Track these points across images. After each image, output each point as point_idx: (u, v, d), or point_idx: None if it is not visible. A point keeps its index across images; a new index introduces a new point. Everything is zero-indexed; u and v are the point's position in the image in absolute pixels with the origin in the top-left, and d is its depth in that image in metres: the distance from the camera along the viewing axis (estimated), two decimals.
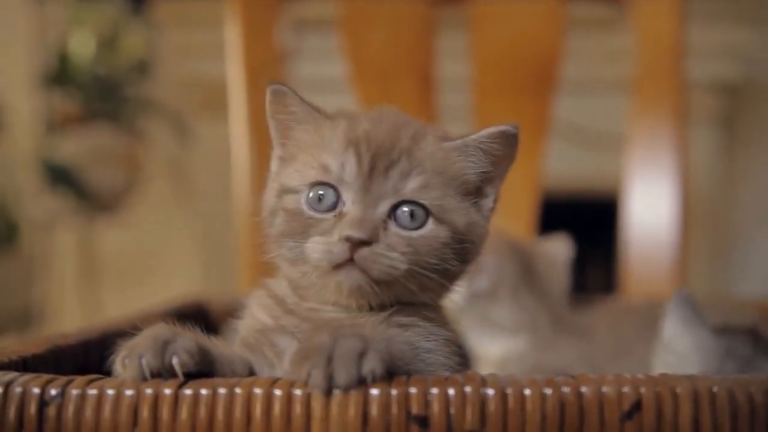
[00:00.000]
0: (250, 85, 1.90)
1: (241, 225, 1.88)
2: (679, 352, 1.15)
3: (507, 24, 1.95)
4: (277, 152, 0.99)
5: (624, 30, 2.01)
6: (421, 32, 1.97)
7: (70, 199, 3.70)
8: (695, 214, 3.58)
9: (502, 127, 0.94)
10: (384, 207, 0.88)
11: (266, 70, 1.91)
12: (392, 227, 0.88)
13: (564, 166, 2.94)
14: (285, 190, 0.93)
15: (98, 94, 3.79)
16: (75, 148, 3.69)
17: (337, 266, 0.86)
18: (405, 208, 0.88)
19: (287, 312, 0.94)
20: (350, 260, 0.86)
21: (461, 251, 0.92)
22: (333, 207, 0.89)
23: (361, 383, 0.74)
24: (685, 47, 1.89)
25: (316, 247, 0.87)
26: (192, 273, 3.92)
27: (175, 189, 3.95)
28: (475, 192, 0.95)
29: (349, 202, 0.88)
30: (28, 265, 3.80)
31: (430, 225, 0.89)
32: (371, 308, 0.90)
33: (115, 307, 2.74)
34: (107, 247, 3.95)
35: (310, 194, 0.90)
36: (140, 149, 3.89)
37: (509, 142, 0.95)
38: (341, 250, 0.86)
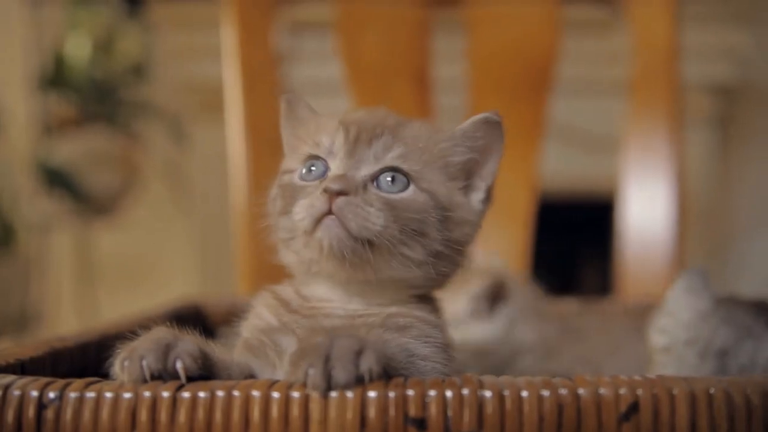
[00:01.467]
0: (246, 88, 1.90)
1: (238, 227, 1.88)
2: (676, 315, 1.16)
3: (502, 26, 1.95)
4: (285, 162, 1.03)
5: (619, 32, 2.02)
6: (417, 34, 1.97)
7: (67, 201, 3.69)
8: (691, 215, 3.58)
9: (485, 115, 0.96)
10: (365, 171, 0.92)
11: (262, 73, 1.91)
12: (372, 189, 0.91)
13: (560, 168, 2.95)
14: (284, 172, 0.98)
15: (94, 97, 3.78)
16: (71, 150, 3.69)
17: (317, 221, 0.89)
18: (387, 176, 0.92)
19: (291, 311, 0.95)
20: (329, 213, 0.89)
21: (445, 224, 0.94)
22: (321, 176, 0.94)
23: (359, 382, 0.74)
24: (680, 49, 1.89)
25: (300, 208, 0.91)
26: (189, 275, 3.93)
27: (172, 191, 3.95)
28: (462, 178, 0.98)
29: (334, 167, 0.93)
30: (25, 268, 3.80)
31: (411, 190, 0.92)
32: (369, 298, 0.94)
33: (112, 310, 2.74)
34: (104, 249, 3.94)
35: (303, 169, 0.95)
36: (137, 152, 3.89)
37: (492, 130, 0.97)
38: (321, 202, 0.89)
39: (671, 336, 1.15)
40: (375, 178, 0.92)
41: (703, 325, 1.13)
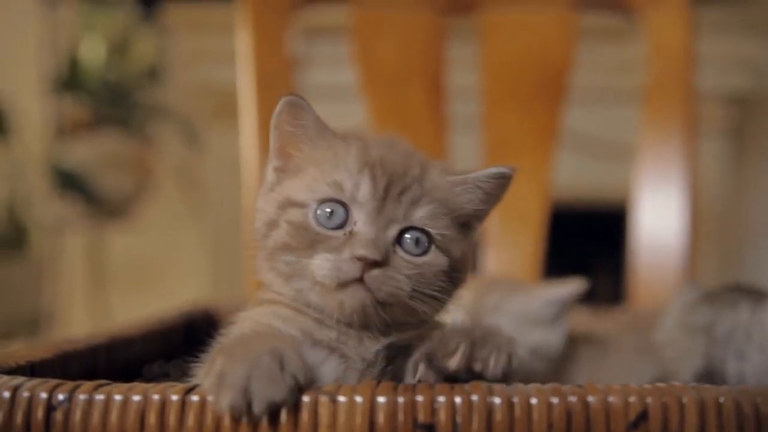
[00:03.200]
0: (260, 93, 1.90)
1: (250, 231, 1.88)
2: (669, 312, 1.24)
3: (518, 33, 1.95)
4: (275, 163, 1.00)
5: (635, 40, 2.01)
6: (432, 41, 1.97)
7: (80, 204, 3.70)
8: (704, 224, 3.57)
9: (502, 169, 0.96)
10: (393, 231, 0.89)
11: (277, 78, 1.91)
12: (399, 251, 0.89)
13: (574, 176, 2.94)
14: (291, 203, 0.93)
15: (108, 100, 3.80)
16: (85, 153, 3.70)
17: (343, 284, 0.86)
18: (410, 234, 0.90)
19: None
20: (358, 279, 0.86)
21: (453, 279, 0.94)
22: (341, 225, 0.89)
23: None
24: (695, 58, 1.89)
25: (324, 264, 0.87)
26: (201, 279, 3.93)
27: (184, 195, 3.96)
28: (465, 225, 0.97)
29: (361, 222, 0.89)
30: (38, 270, 3.81)
31: (432, 253, 0.91)
32: (371, 327, 0.90)
33: (124, 313, 2.74)
34: (116, 252, 3.95)
35: (319, 210, 0.90)
36: (150, 155, 3.90)
37: (504, 183, 0.97)
38: (352, 269, 0.86)
39: (666, 329, 1.22)
40: (399, 236, 0.90)
41: (688, 310, 1.20)
